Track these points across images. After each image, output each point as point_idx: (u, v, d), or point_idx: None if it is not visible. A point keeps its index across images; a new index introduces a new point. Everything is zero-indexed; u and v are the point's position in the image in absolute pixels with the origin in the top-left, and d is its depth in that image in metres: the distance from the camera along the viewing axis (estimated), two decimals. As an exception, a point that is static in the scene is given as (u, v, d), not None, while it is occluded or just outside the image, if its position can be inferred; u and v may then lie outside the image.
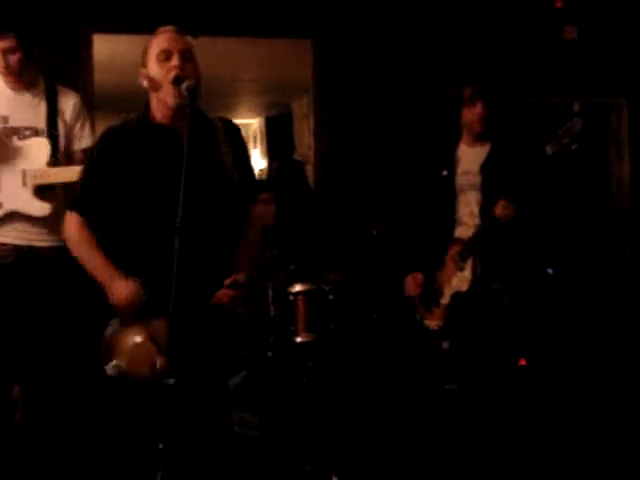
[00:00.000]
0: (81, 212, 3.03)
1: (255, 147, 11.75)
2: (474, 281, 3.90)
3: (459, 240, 3.99)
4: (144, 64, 2.98)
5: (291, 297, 4.54)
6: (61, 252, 3.66)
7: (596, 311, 5.85)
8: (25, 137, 3.70)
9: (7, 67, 3.64)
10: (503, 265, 3.92)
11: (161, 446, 2.93)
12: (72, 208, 3.06)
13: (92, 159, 3.10)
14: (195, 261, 2.85)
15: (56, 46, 5.13)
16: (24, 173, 3.67)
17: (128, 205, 2.98)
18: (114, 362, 2.96)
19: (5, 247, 3.68)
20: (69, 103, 3.82)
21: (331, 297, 4.59)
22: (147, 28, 5.36)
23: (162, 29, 3.05)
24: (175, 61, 2.90)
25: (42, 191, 3.67)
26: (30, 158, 3.67)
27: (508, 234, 3.84)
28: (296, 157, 9.02)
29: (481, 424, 3.97)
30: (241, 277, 3.01)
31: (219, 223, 3.03)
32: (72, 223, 3.05)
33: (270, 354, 4.40)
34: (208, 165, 2.99)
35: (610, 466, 4.40)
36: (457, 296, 3.96)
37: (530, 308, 4.08)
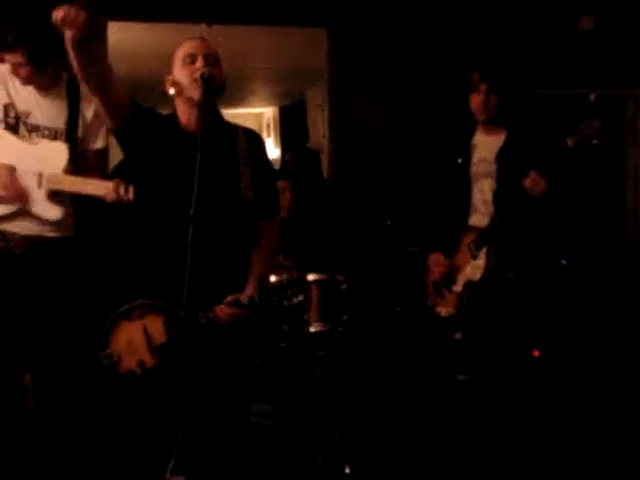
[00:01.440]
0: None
1: (269, 136, 11.74)
2: (487, 270, 3.90)
3: (474, 228, 3.98)
4: (169, 71, 2.99)
5: (304, 286, 4.55)
6: (70, 243, 3.71)
7: (610, 302, 5.83)
8: (44, 136, 3.71)
9: (20, 78, 3.65)
10: (516, 255, 3.91)
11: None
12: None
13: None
14: (201, 272, 2.82)
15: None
16: (40, 175, 3.67)
17: (147, 197, 3.03)
18: (107, 351, 3.03)
19: (15, 236, 3.69)
20: (91, 103, 3.82)
21: (344, 287, 4.60)
22: (161, 16, 5.45)
23: (188, 37, 3.08)
24: (200, 63, 2.93)
25: (55, 195, 3.68)
26: (48, 161, 3.66)
27: (524, 224, 3.84)
28: (310, 146, 9.01)
29: (491, 415, 3.97)
30: (244, 298, 3.03)
31: (226, 240, 3.04)
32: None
33: (283, 344, 4.41)
34: (222, 184, 3.01)
35: (620, 457, 4.40)
36: (470, 284, 3.96)
37: (542, 298, 4.08)
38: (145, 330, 2.99)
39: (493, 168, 3.97)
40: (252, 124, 11.83)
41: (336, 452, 4.35)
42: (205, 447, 3.03)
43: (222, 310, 2.99)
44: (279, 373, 4.34)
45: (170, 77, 3.00)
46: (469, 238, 3.98)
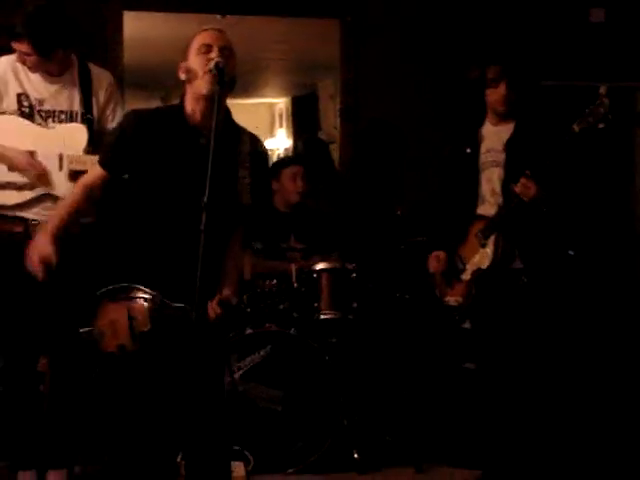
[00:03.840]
0: (104, 165, 3.09)
1: (281, 126, 11.77)
2: (495, 259, 3.93)
3: (482, 217, 4.01)
4: (185, 58, 3.02)
5: (315, 275, 4.60)
6: (89, 230, 3.74)
7: (618, 293, 5.84)
8: (61, 121, 3.77)
9: (27, 66, 3.72)
10: (525, 244, 3.95)
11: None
12: (100, 163, 3.12)
13: (125, 125, 3.11)
14: (188, 267, 2.82)
15: (86, 22, 5.19)
16: (61, 157, 3.73)
17: (144, 188, 3.03)
18: (90, 328, 3.02)
19: (35, 223, 3.74)
20: (102, 84, 3.88)
21: (354, 276, 4.65)
22: (176, 6, 5.48)
23: (206, 27, 3.07)
24: (215, 54, 2.94)
25: (77, 176, 3.73)
26: (68, 143, 3.73)
27: (533, 213, 3.87)
28: (321, 136, 9.03)
29: (498, 403, 4.00)
30: (233, 299, 3.02)
31: (215, 238, 2.97)
32: (94, 172, 3.15)
33: (293, 330, 4.46)
34: (222, 182, 2.97)
35: (627, 445, 4.43)
36: (478, 273, 3.99)
37: (550, 288, 4.10)
38: (129, 314, 2.97)
39: (501, 158, 3.99)
40: (264, 114, 11.87)
41: (345, 438, 4.41)
42: (215, 429, 3.07)
43: (213, 308, 2.95)
44: (289, 359, 4.39)
45: (184, 64, 3.02)
46: (477, 227, 4.02)
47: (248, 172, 3.06)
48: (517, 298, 3.94)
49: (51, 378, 3.94)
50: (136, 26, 5.77)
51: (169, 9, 5.58)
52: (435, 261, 4.17)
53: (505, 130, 4.02)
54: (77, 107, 3.79)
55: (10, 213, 3.77)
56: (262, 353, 4.35)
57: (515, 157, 3.93)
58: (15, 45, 3.66)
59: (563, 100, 5.26)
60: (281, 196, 4.97)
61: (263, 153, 3.27)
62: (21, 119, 3.73)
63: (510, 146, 3.96)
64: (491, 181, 4.02)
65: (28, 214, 3.75)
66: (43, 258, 3.02)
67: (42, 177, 3.72)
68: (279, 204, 4.99)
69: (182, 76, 3.02)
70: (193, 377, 2.85)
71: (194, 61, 2.97)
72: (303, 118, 10.60)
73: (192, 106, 3.01)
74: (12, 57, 3.76)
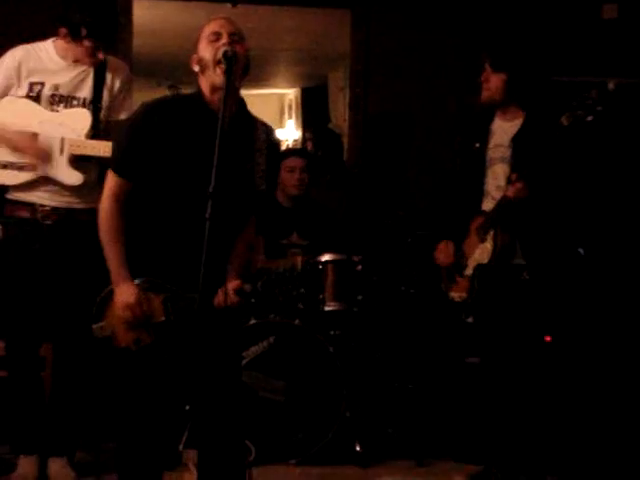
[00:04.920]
0: (120, 174, 3.01)
1: (290, 117, 11.76)
2: (494, 253, 3.93)
3: (484, 212, 4.01)
4: (195, 49, 3.02)
5: (320, 266, 4.59)
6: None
7: (627, 292, 5.81)
8: (72, 106, 3.79)
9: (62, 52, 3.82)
10: (526, 240, 3.94)
11: (187, 407, 3.02)
12: (113, 169, 3.05)
13: (133, 125, 3.07)
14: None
15: (96, 11, 5.18)
16: (62, 141, 3.75)
17: (162, 179, 2.99)
18: (102, 323, 3.00)
19: (45, 208, 3.77)
20: (118, 75, 3.90)
21: (359, 268, 4.64)
22: (187, -5, 5.46)
23: (215, 16, 3.06)
24: (224, 40, 2.93)
25: (77, 161, 3.75)
26: (70, 127, 3.75)
27: (529, 208, 3.86)
28: (332, 127, 9.02)
29: (500, 398, 4.00)
30: (247, 287, 3.06)
31: (230, 221, 3.02)
32: (109, 191, 3.03)
33: (298, 321, 4.46)
34: (239, 168, 3.01)
35: (631, 442, 4.42)
36: (479, 268, 3.99)
37: (555, 285, 4.10)
38: (142, 307, 2.96)
39: (508, 153, 3.99)
40: (274, 105, 11.87)
41: (347, 430, 4.41)
42: (216, 419, 3.07)
43: (224, 295, 2.95)
44: (293, 350, 4.39)
45: (195, 55, 3.02)
46: (477, 222, 4.02)
47: (264, 159, 3.08)
48: (518, 294, 3.94)
49: (54, 364, 3.97)
50: (145, 15, 5.76)
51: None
52: (444, 252, 4.16)
53: (513, 126, 4.02)
54: (89, 94, 3.81)
55: (14, 197, 3.79)
56: (266, 344, 4.36)
57: (521, 153, 3.92)
58: (85, 43, 3.74)
59: (573, 95, 5.23)
60: (281, 189, 4.92)
61: (276, 143, 3.29)
62: (28, 101, 3.74)
63: (516, 142, 3.96)
64: (497, 177, 4.02)
65: (32, 197, 3.76)
66: (130, 306, 2.95)
67: (42, 159, 3.73)
68: (280, 198, 4.96)
69: (195, 67, 3.02)
70: (209, 367, 2.83)
71: (204, 50, 2.97)
72: (312, 109, 10.59)
73: (210, 95, 3.00)
74: (28, 46, 3.80)
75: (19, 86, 3.75)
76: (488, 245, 3.95)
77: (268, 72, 10.03)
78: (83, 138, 3.74)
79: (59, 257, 3.79)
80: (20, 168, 3.73)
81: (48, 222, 3.76)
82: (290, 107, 11.83)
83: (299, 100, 11.37)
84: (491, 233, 3.94)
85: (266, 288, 4.53)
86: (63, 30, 3.76)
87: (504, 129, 4.04)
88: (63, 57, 3.80)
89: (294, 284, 4.59)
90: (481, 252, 3.99)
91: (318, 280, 4.57)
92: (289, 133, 11.52)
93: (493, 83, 4.00)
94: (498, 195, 3.98)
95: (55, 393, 3.94)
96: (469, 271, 4.04)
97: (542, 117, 3.97)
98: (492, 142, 4.06)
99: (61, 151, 3.75)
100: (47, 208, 3.77)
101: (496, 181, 4.02)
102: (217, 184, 2.71)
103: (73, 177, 3.75)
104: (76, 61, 3.80)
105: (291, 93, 11.74)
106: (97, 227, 3.06)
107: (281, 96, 12.03)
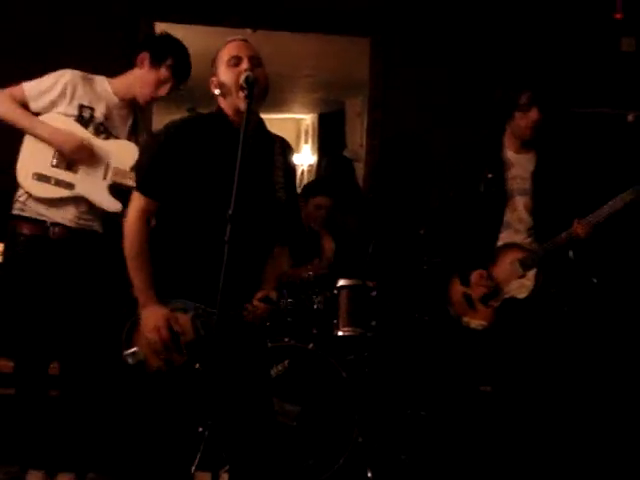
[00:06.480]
0: (146, 193, 3.02)
1: (307, 142, 11.80)
2: (535, 290, 3.92)
3: (516, 245, 4.00)
4: (214, 73, 3.03)
5: (335, 291, 4.60)
6: (108, 237, 3.78)
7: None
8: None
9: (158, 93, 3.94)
10: (561, 274, 3.95)
11: (201, 429, 3.02)
12: (138, 188, 3.07)
13: (159, 144, 3.09)
14: (232, 271, 2.79)
15: (118, 33, 5.25)
16: (107, 167, 3.79)
17: (188, 197, 3.00)
18: (134, 349, 2.99)
19: (57, 228, 3.78)
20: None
21: (374, 293, 4.64)
22: (207, 19, 5.53)
23: (231, 38, 3.09)
24: (245, 65, 2.95)
25: (115, 189, 3.78)
26: (117, 156, 3.80)
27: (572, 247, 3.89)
28: (346, 154, 9.05)
29: (513, 426, 3.99)
30: (273, 294, 3.06)
31: (257, 236, 3.06)
32: (135, 212, 3.03)
33: (312, 346, 4.46)
34: (261, 180, 3.05)
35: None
36: (512, 301, 3.98)
37: (578, 315, 4.10)
38: (171, 328, 2.95)
39: (527, 185, 3.99)
40: (291, 130, 11.91)
41: (359, 455, 4.39)
42: (230, 440, 3.07)
43: (258, 307, 3.00)
44: (306, 375, 4.39)
45: (215, 79, 3.03)
46: (513, 255, 4.00)
47: (282, 173, 3.12)
48: (558, 326, 3.94)
49: (62, 383, 3.96)
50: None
51: (201, 22, 5.62)
52: (481, 283, 4.07)
53: (529, 158, 4.02)
54: (127, 132, 3.91)
55: (23, 212, 3.79)
56: (281, 367, 4.35)
57: (543, 186, 3.93)
58: (162, 71, 3.82)
59: (591, 127, 5.24)
60: (304, 218, 4.97)
61: (291, 153, 3.28)
62: (77, 124, 3.78)
63: (537, 176, 3.96)
64: (516, 209, 4.01)
65: (47, 213, 3.76)
66: (159, 328, 2.96)
67: (91, 165, 3.77)
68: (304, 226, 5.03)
69: (215, 91, 3.03)
70: (242, 382, 2.96)
71: (225, 75, 2.98)
72: (329, 135, 10.62)
73: (233, 115, 3.02)
74: (77, 71, 3.84)
75: (69, 104, 3.78)
76: (528, 282, 3.94)
77: (286, 97, 10.08)
78: (128, 169, 3.78)
79: (68, 275, 3.80)
80: (58, 183, 3.75)
81: (54, 237, 3.77)
82: (307, 132, 11.86)
83: (316, 125, 11.40)
84: (534, 271, 3.94)
85: (292, 294, 4.53)
86: (144, 55, 3.83)
87: (521, 161, 4.04)
88: (115, 93, 3.87)
89: (320, 289, 4.60)
90: (519, 287, 3.97)
91: (332, 305, 4.57)
92: (305, 158, 11.55)
93: (539, 125, 4.00)
94: (521, 227, 3.98)
95: (63, 410, 3.95)
96: (496, 302, 4.03)
97: (561, 151, 3.98)
98: (510, 173, 4.06)
99: (104, 176, 3.79)
100: (59, 226, 3.78)
101: (516, 213, 4.01)
102: (236, 207, 2.73)
103: (114, 204, 3.78)
104: (129, 98, 3.87)
105: (308, 118, 11.78)
106: (106, 247, 3.06)
107: (298, 121, 12.08)
